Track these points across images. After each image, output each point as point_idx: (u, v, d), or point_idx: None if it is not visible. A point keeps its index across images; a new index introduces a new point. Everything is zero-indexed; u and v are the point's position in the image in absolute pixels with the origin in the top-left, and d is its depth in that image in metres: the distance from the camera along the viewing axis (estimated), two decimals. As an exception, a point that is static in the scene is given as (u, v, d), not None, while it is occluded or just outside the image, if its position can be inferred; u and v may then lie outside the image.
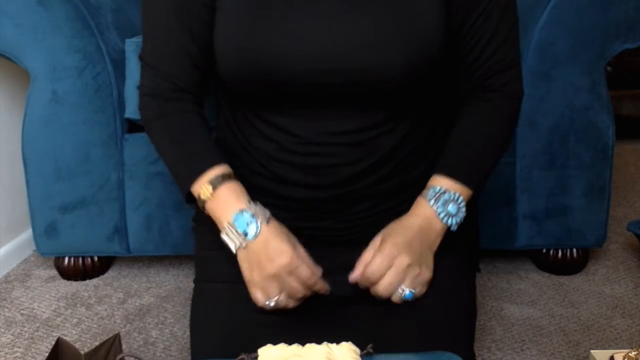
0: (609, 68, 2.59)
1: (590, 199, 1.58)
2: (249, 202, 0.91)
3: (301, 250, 0.91)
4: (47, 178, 1.57)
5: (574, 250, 1.67)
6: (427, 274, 0.93)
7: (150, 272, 1.74)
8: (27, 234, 1.81)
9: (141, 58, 1.00)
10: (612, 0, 1.45)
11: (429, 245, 0.94)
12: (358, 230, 0.99)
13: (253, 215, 0.89)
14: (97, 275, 1.71)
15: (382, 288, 0.91)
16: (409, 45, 0.90)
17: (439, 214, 0.93)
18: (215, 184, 0.92)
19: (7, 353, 1.38)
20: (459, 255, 1.01)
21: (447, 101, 1.05)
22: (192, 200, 0.96)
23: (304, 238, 0.94)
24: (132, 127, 1.58)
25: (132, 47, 1.52)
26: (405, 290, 0.91)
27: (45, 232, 1.62)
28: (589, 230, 1.61)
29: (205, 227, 1.01)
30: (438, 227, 0.94)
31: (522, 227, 1.61)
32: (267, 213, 0.91)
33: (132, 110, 1.54)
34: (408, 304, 0.93)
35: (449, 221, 0.94)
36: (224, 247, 0.93)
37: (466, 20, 0.95)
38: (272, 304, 0.91)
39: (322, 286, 0.93)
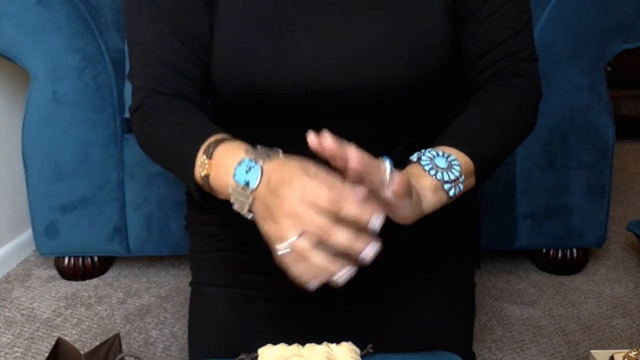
0: (609, 68, 2.59)
1: (590, 199, 1.58)
2: (248, 149, 0.74)
3: (315, 171, 0.67)
4: (47, 178, 1.57)
5: (574, 250, 1.67)
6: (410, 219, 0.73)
7: (150, 272, 1.74)
8: (27, 234, 1.81)
9: (138, 53, 0.88)
10: (612, 0, 1.46)
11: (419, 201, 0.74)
12: None
13: (252, 160, 0.71)
14: (97, 275, 1.71)
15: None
16: (414, 55, 0.85)
17: (424, 166, 0.76)
18: (209, 152, 0.76)
19: (7, 353, 1.38)
20: (458, 255, 1.01)
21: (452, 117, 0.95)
22: (206, 196, 0.80)
23: None
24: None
25: (132, 47, 1.52)
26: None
27: (45, 232, 1.62)
28: (589, 230, 1.61)
29: (198, 227, 1.00)
30: (427, 183, 0.75)
31: (522, 227, 1.61)
32: (272, 152, 0.72)
33: (132, 110, 1.54)
34: (407, 305, 0.93)
35: (440, 176, 0.76)
36: (218, 249, 0.90)
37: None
38: (287, 249, 0.65)
39: (361, 217, 0.63)
